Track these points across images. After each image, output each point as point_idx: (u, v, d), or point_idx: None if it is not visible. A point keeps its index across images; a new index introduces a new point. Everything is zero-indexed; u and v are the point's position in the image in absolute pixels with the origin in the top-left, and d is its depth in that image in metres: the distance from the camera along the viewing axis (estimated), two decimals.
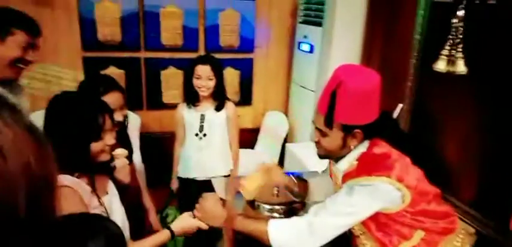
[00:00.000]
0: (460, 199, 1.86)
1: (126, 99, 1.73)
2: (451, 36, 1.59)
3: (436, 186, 1.38)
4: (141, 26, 3.08)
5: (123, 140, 1.77)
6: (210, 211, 1.46)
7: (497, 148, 1.69)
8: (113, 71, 3.04)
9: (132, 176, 1.87)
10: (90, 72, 2.98)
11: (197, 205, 1.50)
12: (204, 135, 2.26)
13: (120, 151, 1.50)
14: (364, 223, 1.36)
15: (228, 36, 3.33)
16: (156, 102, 3.30)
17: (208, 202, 1.48)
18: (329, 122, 1.27)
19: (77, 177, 1.19)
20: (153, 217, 2.02)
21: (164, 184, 2.46)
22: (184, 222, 1.48)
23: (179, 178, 2.38)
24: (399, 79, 2.24)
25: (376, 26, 2.68)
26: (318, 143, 1.37)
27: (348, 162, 1.35)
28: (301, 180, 1.75)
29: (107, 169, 1.37)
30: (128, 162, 1.53)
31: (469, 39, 1.59)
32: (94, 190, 1.21)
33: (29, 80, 2.19)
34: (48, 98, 1.24)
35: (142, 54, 3.17)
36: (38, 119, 1.29)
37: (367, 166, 1.27)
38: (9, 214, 0.47)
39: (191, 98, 2.22)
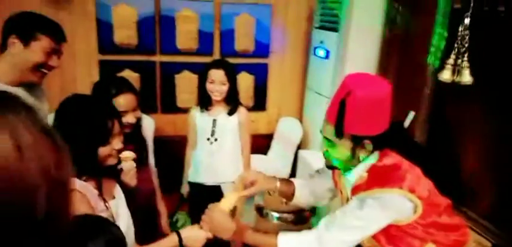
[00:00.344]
0: (474, 210, 1.81)
1: (139, 100, 1.73)
2: (456, 45, 1.53)
3: (447, 197, 1.34)
4: (157, 29, 3.10)
5: (138, 142, 1.77)
6: (218, 223, 1.40)
7: None
8: (128, 74, 3.05)
9: (148, 179, 1.87)
10: (105, 75, 3.01)
11: (204, 216, 1.44)
12: (216, 139, 2.24)
13: (127, 154, 1.48)
14: (374, 236, 1.32)
15: (243, 41, 3.32)
16: (170, 106, 3.31)
17: (216, 213, 1.42)
18: (338, 132, 1.23)
19: (84, 181, 1.19)
20: (164, 222, 2.01)
21: (177, 188, 2.45)
22: (192, 233, 1.42)
23: (189, 183, 2.37)
24: (417, 86, 2.18)
25: (393, 32, 2.63)
26: (326, 153, 1.33)
27: (357, 174, 1.31)
28: (287, 182, 1.62)
29: (114, 173, 1.37)
30: (134, 164, 1.52)
31: (487, 47, 1.53)
32: (101, 194, 1.21)
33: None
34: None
35: (158, 58, 3.18)
36: (49, 121, 1.31)
37: (379, 179, 1.23)
38: (27, 216, 0.48)
39: (204, 102, 2.22)
